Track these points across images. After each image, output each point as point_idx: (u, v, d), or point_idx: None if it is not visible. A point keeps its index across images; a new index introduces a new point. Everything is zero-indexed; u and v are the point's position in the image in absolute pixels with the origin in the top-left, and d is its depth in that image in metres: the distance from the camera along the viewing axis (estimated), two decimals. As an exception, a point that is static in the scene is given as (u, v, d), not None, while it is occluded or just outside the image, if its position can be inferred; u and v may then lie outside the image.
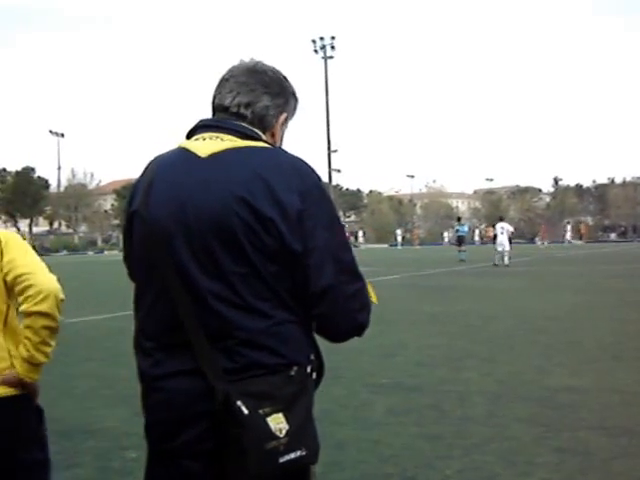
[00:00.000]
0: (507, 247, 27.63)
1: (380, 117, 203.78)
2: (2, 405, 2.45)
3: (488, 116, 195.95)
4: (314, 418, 1.84)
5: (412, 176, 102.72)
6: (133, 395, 6.45)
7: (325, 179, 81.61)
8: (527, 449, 4.92)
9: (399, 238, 66.28)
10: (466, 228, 35.75)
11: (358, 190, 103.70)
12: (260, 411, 1.66)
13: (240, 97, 1.89)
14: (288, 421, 1.68)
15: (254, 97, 1.90)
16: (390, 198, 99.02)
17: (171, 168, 1.84)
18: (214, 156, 1.79)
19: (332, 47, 72.11)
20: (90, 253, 67.52)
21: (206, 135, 1.86)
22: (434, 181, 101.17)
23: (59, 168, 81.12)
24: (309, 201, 1.75)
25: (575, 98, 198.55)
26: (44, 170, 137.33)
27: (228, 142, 1.82)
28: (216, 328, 1.72)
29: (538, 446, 4.98)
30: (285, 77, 1.99)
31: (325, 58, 72.43)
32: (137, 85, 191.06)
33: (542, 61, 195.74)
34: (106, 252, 68.38)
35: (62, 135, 77.88)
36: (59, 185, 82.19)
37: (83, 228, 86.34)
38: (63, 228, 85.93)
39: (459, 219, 39.73)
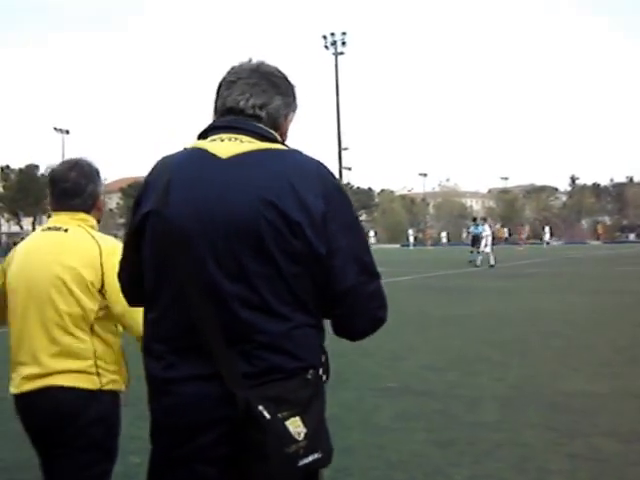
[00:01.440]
0: (489, 248, 27.88)
1: (392, 114, 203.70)
2: (79, 397, 2.62)
3: (503, 113, 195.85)
4: (326, 422, 1.83)
5: (425, 174, 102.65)
6: (136, 398, 6.36)
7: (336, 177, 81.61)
8: (539, 455, 4.84)
9: (411, 238, 66.10)
10: (480, 229, 35.51)
11: (369, 189, 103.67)
12: (279, 415, 1.65)
13: (254, 99, 1.89)
14: (305, 424, 1.68)
15: (267, 98, 1.91)
16: (402, 197, 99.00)
17: (190, 168, 1.82)
18: (236, 157, 1.79)
19: (343, 43, 72.01)
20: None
21: (224, 136, 1.84)
22: (447, 180, 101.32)
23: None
24: (332, 204, 1.77)
25: (593, 95, 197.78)
26: (48, 168, 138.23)
27: (248, 144, 1.82)
28: (236, 331, 1.71)
29: (551, 452, 4.89)
30: (287, 76, 1.99)
31: (336, 54, 72.33)
32: (144, 82, 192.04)
33: (560, 57, 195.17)
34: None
35: (67, 132, 77.61)
36: None
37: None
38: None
39: (474, 219, 39.52)
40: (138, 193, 1.89)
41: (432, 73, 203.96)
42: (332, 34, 72.30)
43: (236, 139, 1.83)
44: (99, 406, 2.67)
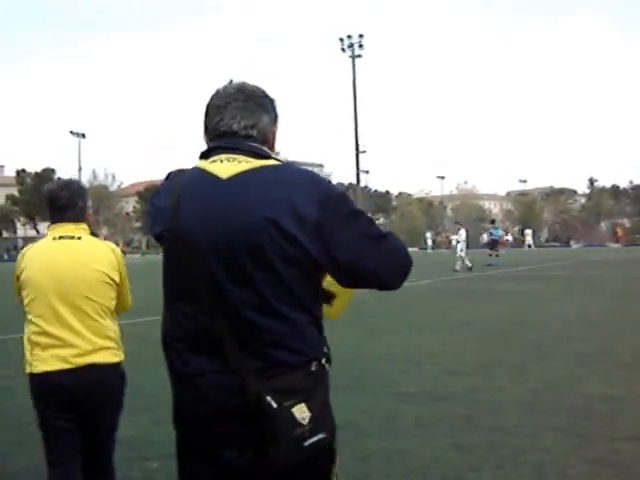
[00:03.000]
0: (464, 252, 27.75)
1: (410, 116, 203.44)
2: (110, 370, 3.32)
3: (521, 115, 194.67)
4: (330, 404, 2.04)
5: (443, 177, 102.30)
6: (154, 404, 6.43)
7: (353, 180, 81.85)
8: (560, 460, 4.81)
9: (429, 241, 65.81)
10: (500, 232, 35.38)
11: (387, 192, 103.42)
12: (285, 404, 1.87)
13: (245, 121, 2.09)
14: (310, 409, 1.90)
15: (256, 118, 2.10)
16: (420, 200, 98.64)
17: (196, 190, 2.02)
18: (235, 177, 1.98)
19: (360, 45, 71.98)
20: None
21: (223, 157, 2.04)
22: (465, 182, 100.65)
23: (80, 169, 79.34)
24: (326, 206, 1.96)
25: (611, 97, 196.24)
26: (65, 171, 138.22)
27: (244, 163, 2.01)
28: (246, 332, 1.93)
29: (572, 457, 4.87)
30: (267, 92, 2.18)
31: (353, 57, 72.35)
32: (160, 86, 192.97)
33: (580, 59, 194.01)
34: (127, 255, 68.68)
35: (83, 136, 77.72)
36: None
37: (104, 231, 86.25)
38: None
39: (493, 221, 39.30)
40: (150, 214, 2.12)
41: (450, 75, 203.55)
42: (349, 36, 72.24)
43: (234, 159, 2.02)
44: (120, 375, 3.42)
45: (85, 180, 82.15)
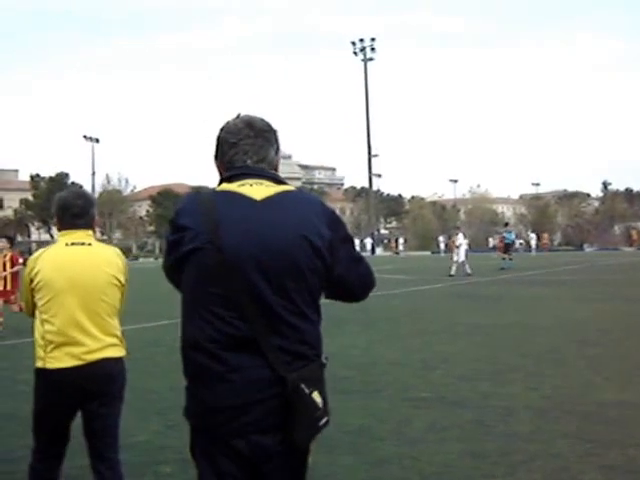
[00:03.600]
0: (463, 257, 27.42)
1: (422, 120, 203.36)
2: (117, 364, 3.66)
3: (534, 119, 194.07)
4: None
5: (455, 181, 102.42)
6: (167, 407, 6.44)
7: (365, 184, 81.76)
8: (574, 466, 4.80)
9: (442, 245, 65.51)
10: (513, 235, 35.18)
11: (399, 195, 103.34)
12: (308, 390, 2.22)
13: (256, 156, 2.41)
14: (321, 396, 2.26)
15: (264, 153, 2.44)
16: (433, 203, 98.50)
17: (234, 210, 2.29)
18: (268, 200, 2.31)
19: (372, 49, 72.07)
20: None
21: (250, 181, 2.35)
22: (478, 186, 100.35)
23: (93, 174, 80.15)
24: (334, 229, 2.37)
25: (624, 100, 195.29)
26: (78, 176, 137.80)
27: (271, 187, 2.35)
28: (280, 332, 2.24)
29: (585, 463, 4.86)
30: (271, 125, 2.49)
31: (365, 60, 72.40)
32: (172, 90, 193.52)
33: (590, 62, 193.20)
34: (141, 259, 68.46)
35: (97, 140, 78.02)
36: (93, 191, 79.58)
37: (117, 235, 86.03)
38: (97, 235, 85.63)
39: (506, 224, 39.07)
40: (179, 224, 2.31)
41: (462, 78, 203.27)
42: (361, 40, 72.36)
43: (260, 184, 2.35)
44: (124, 368, 3.74)
45: (98, 184, 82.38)
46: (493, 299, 17.39)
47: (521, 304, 16.02)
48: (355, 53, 72.48)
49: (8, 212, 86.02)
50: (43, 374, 3.55)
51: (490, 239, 60.14)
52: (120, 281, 3.68)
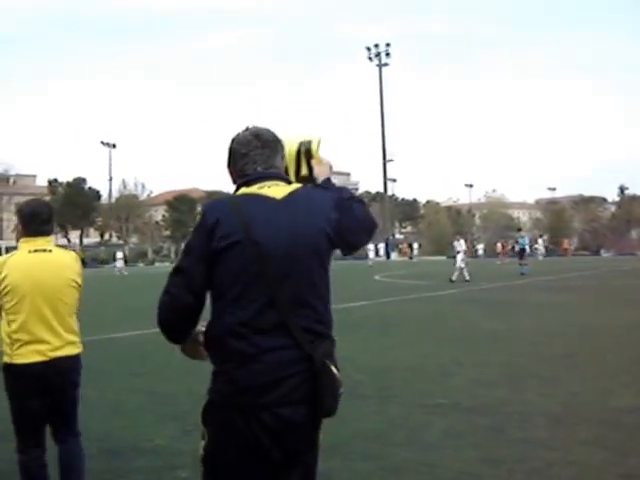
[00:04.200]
0: (461, 263, 27.11)
1: (437, 124, 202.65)
2: (76, 360, 4.09)
3: (549, 123, 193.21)
4: None
5: (471, 185, 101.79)
6: (184, 412, 6.48)
7: (380, 189, 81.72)
8: (592, 474, 4.78)
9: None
10: (526, 240, 35.01)
11: (414, 200, 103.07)
12: (330, 364, 2.49)
13: (265, 164, 2.70)
14: (336, 368, 2.52)
15: (272, 160, 2.72)
16: (448, 208, 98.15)
17: (260, 208, 2.56)
18: (287, 198, 2.60)
19: (387, 54, 72.15)
20: (141, 265, 67.56)
21: (267, 183, 2.64)
22: (494, 190, 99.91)
23: (110, 179, 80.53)
24: (340, 208, 2.68)
25: None
26: (95, 181, 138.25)
27: (285, 187, 2.65)
28: (306, 314, 2.52)
29: (603, 471, 4.82)
30: (276, 135, 2.77)
31: (380, 65, 72.47)
32: (189, 96, 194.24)
33: (605, 65, 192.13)
34: (157, 264, 68.58)
35: (113, 146, 78.26)
36: (110, 196, 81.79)
37: (134, 239, 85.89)
38: (114, 239, 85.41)
39: (519, 230, 38.87)
40: (209, 224, 2.52)
41: (477, 82, 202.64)
42: (376, 45, 72.47)
43: (277, 185, 2.64)
44: (81, 364, 4.13)
45: (115, 189, 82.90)
46: (508, 304, 17.32)
47: (537, 310, 15.94)
48: (370, 58, 72.61)
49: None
50: (11, 369, 3.91)
51: (498, 244, 59.58)
52: (78, 283, 4.10)
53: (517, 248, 35.17)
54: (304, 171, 2.82)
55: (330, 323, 2.62)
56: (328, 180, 2.84)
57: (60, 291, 3.98)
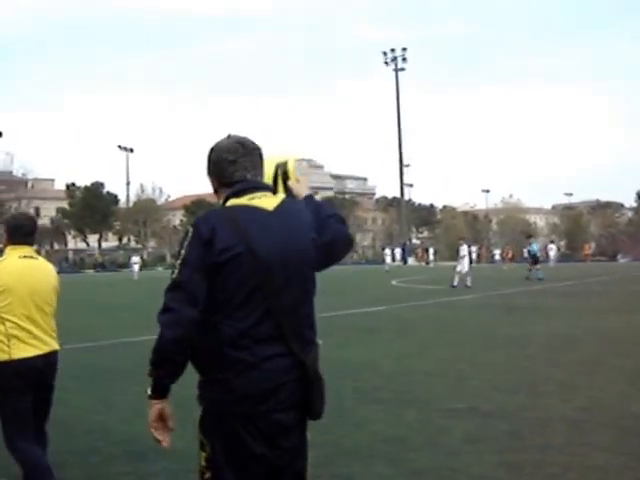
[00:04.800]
0: (466, 268, 26.87)
1: (454, 130, 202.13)
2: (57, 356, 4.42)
3: (566, 128, 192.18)
4: None
5: (487, 191, 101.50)
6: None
7: (397, 194, 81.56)
8: (610, 479, 4.77)
9: (474, 255, 64.85)
10: (537, 247, 35.06)
11: (431, 205, 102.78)
12: (319, 370, 2.62)
13: (254, 170, 2.75)
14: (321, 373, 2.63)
15: (258, 168, 2.78)
16: (465, 213, 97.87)
17: (254, 219, 2.60)
18: (277, 209, 2.66)
19: (404, 59, 72.10)
20: (159, 269, 67.66)
21: (257, 194, 2.69)
22: (510, 196, 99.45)
23: (128, 183, 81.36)
24: (314, 213, 2.79)
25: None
26: (113, 185, 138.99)
27: (274, 198, 2.72)
28: (300, 322, 2.60)
29: (621, 476, 4.84)
30: (257, 143, 2.83)
31: (396, 70, 72.44)
32: (205, 100, 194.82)
33: (623, 70, 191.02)
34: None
35: (131, 150, 78.89)
36: (128, 200, 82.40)
37: (152, 243, 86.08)
38: (132, 243, 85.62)
39: (529, 236, 38.71)
40: (205, 236, 2.52)
41: (494, 87, 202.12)
42: (392, 50, 72.44)
43: (265, 195, 2.70)
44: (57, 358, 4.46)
45: (133, 193, 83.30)
46: (525, 310, 17.28)
47: (554, 315, 15.89)
48: (386, 63, 72.60)
49: (45, 221, 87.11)
50: (10, 364, 4.16)
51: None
52: (57, 288, 4.49)
53: (528, 254, 35.05)
54: (282, 193, 2.85)
55: (316, 329, 2.70)
56: (310, 197, 2.89)
57: (47, 294, 4.36)
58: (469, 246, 29.56)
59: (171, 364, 2.56)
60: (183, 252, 2.54)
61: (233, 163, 2.71)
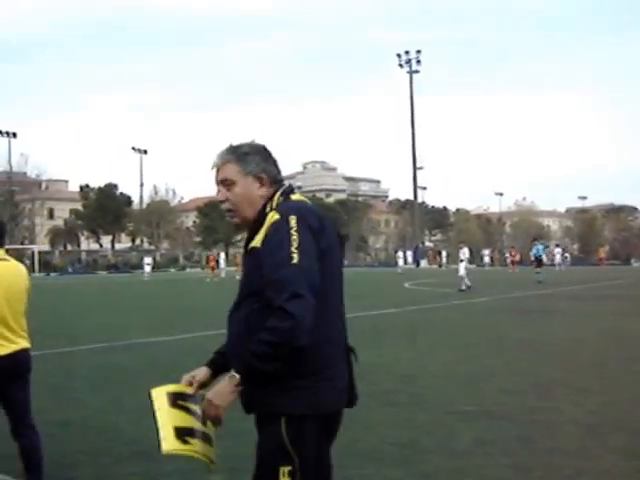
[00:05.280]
0: (462, 271, 26.88)
1: (468, 132, 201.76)
2: (27, 354, 4.57)
3: (579, 131, 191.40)
4: None
5: (501, 194, 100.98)
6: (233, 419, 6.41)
7: (410, 196, 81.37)
8: (621, 483, 4.76)
9: (486, 258, 64.60)
10: (540, 249, 35.11)
11: (444, 208, 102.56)
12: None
13: (279, 173, 2.76)
14: None
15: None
16: (478, 216, 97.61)
17: (319, 212, 2.65)
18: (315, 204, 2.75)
19: (418, 61, 72.05)
20: (172, 270, 67.87)
21: (298, 193, 2.76)
22: (524, 199, 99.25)
23: (141, 185, 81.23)
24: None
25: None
26: (127, 187, 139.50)
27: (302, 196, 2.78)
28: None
29: (633, 480, 4.80)
30: None
31: (410, 72, 72.36)
32: (218, 102, 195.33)
33: (637, 73, 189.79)
34: (188, 270, 68.93)
35: (145, 152, 78.82)
36: (141, 202, 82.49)
37: (165, 245, 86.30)
38: (145, 245, 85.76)
39: (534, 240, 38.77)
40: (315, 226, 2.51)
41: (508, 90, 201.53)
42: (407, 52, 72.39)
43: (303, 194, 2.93)
44: (31, 355, 4.61)
45: (146, 195, 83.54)
46: (537, 313, 17.21)
47: (565, 318, 15.83)
48: (401, 65, 72.57)
49: (59, 222, 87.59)
50: None
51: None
52: (29, 289, 4.66)
53: (533, 257, 35.11)
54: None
55: None
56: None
57: (20, 294, 4.55)
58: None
59: (294, 356, 2.37)
60: (296, 238, 2.39)
61: (275, 163, 2.76)
